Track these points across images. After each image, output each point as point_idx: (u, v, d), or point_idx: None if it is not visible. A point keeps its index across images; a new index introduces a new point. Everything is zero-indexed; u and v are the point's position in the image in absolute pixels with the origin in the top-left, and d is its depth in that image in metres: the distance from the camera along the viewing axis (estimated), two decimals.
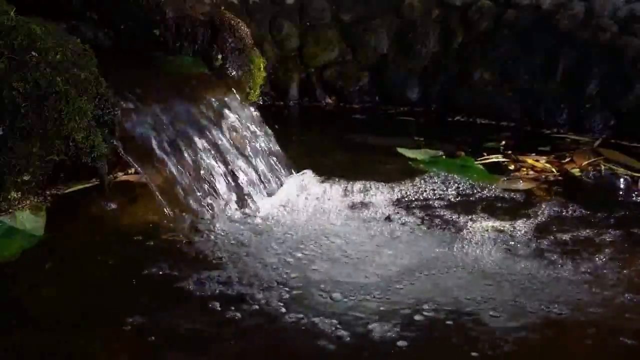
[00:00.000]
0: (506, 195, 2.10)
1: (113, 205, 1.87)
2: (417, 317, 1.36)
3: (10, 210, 1.64)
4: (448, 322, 1.35)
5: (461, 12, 3.33)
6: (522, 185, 2.21)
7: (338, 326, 1.32)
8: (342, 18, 3.49)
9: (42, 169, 1.60)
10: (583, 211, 1.97)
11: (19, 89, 1.47)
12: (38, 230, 1.68)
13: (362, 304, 1.42)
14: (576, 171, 2.36)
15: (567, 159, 2.49)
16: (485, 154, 2.51)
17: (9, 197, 1.60)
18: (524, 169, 2.37)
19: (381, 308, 1.40)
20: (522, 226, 1.84)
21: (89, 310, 1.39)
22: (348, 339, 1.28)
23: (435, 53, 3.35)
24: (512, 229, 1.82)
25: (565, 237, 1.79)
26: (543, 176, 2.31)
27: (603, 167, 2.37)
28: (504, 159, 2.47)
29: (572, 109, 2.98)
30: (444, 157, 2.48)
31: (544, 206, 1.99)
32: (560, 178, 2.30)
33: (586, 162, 2.43)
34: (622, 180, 2.24)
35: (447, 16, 3.36)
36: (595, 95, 2.94)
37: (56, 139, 1.57)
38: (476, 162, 2.43)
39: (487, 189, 2.14)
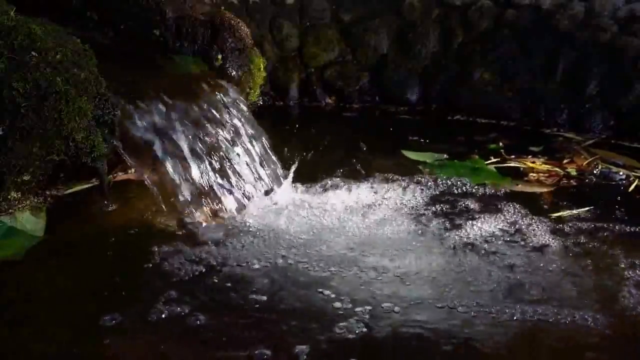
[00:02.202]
0: (530, 198, 2.06)
1: (113, 205, 1.87)
2: None
3: (11, 211, 1.64)
4: None
5: (461, 12, 3.33)
6: (538, 188, 2.18)
7: None
8: (342, 18, 3.49)
9: (42, 169, 1.60)
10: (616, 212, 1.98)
11: (19, 89, 1.47)
12: (38, 231, 1.69)
13: None
14: (573, 171, 2.36)
15: (566, 160, 2.49)
16: (492, 157, 2.48)
17: (9, 197, 1.60)
18: (535, 172, 2.35)
19: None
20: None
21: (88, 311, 1.39)
22: None
23: (435, 53, 3.36)
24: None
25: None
26: (561, 179, 2.28)
27: (601, 167, 2.37)
28: (509, 164, 2.43)
29: (572, 109, 2.98)
30: (455, 160, 2.43)
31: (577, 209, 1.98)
32: (572, 180, 2.28)
33: (585, 163, 2.43)
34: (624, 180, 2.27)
35: (447, 16, 3.36)
36: (595, 95, 2.94)
37: (56, 139, 1.57)
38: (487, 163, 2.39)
39: (508, 193, 2.11)
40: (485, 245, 1.71)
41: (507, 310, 1.39)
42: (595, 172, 2.34)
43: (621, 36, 2.94)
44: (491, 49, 3.21)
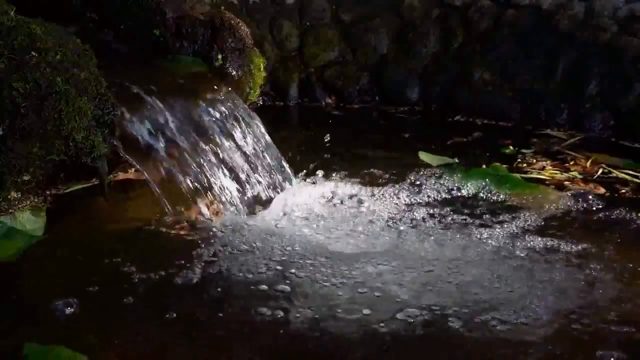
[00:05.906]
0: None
1: (113, 205, 1.87)
2: None
3: (11, 211, 1.64)
4: None
5: (461, 12, 3.33)
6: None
7: None
8: (342, 18, 3.49)
9: (42, 169, 1.60)
10: None
11: (19, 89, 1.46)
12: (38, 231, 1.69)
13: None
14: (576, 173, 2.35)
15: (570, 163, 2.48)
16: (499, 162, 2.41)
17: (9, 197, 1.60)
18: (569, 181, 2.28)
19: None
20: None
21: (87, 311, 1.39)
22: None
23: (435, 53, 3.35)
24: None
25: None
26: (590, 187, 2.24)
27: (601, 170, 2.37)
28: (530, 174, 2.35)
29: (572, 109, 2.98)
30: (480, 167, 2.33)
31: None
32: (602, 188, 2.23)
33: (589, 165, 2.43)
34: None
35: (447, 16, 3.36)
36: (595, 95, 2.94)
37: (56, 139, 1.57)
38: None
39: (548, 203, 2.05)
40: None
41: None
42: (595, 176, 2.33)
43: (621, 36, 2.94)
44: (491, 49, 3.21)
